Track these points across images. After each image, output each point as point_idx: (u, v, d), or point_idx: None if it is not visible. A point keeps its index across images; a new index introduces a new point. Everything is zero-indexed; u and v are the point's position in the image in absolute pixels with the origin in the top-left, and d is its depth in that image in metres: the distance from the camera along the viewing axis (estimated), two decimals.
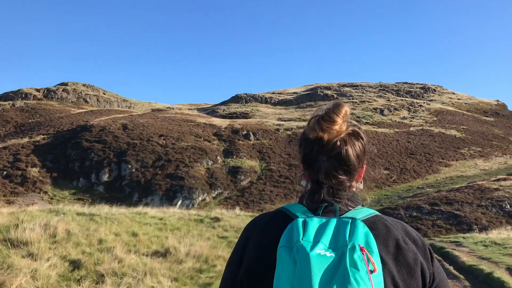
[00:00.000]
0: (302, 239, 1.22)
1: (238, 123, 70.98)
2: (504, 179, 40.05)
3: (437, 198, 37.25)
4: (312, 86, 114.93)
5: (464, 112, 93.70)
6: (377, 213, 1.42)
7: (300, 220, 1.29)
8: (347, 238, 1.22)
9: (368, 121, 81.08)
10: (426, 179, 53.47)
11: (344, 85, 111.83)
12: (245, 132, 65.62)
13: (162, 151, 55.14)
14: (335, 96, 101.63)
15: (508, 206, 34.10)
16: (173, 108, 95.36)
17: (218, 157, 56.23)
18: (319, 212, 1.36)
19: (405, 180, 53.48)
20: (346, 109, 1.44)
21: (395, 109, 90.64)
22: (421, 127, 77.68)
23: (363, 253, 1.19)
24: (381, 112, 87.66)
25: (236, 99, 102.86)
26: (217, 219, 15.98)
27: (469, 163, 59.37)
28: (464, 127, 77.72)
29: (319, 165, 1.43)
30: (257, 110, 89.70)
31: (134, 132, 60.17)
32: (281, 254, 1.24)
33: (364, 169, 1.52)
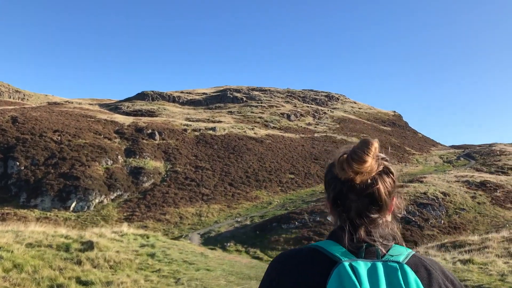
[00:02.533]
0: None
1: (143, 121, 67.73)
2: (401, 186, 41.68)
3: None
4: (222, 88, 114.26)
5: (364, 121, 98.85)
6: (413, 252, 1.36)
7: (347, 264, 1.23)
8: None
9: (275, 126, 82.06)
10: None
11: (253, 89, 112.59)
12: (150, 131, 62.67)
13: (56, 148, 50.53)
14: (244, 99, 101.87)
15: (405, 212, 35.67)
16: (72, 102, 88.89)
17: (119, 157, 52.85)
18: (362, 254, 1.30)
19: (309, 184, 54.43)
20: (376, 145, 1.39)
21: (301, 115, 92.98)
22: (325, 134, 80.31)
23: None
24: (288, 117, 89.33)
25: (142, 96, 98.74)
26: (90, 246, 11.64)
27: None
28: (364, 135, 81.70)
29: (350, 204, 1.38)
30: (164, 109, 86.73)
31: (25, 126, 54.58)
32: None
33: (394, 202, 1.45)
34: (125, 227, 15.89)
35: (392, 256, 1.29)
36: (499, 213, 42.61)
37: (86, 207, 43.30)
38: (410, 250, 1.36)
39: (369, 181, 1.35)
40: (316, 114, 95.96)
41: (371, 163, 1.35)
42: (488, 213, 42.46)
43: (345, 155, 1.37)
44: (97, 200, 44.20)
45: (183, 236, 37.01)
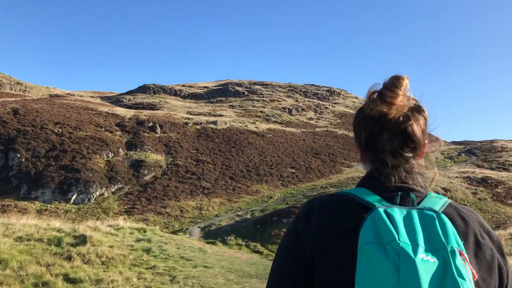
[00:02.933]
0: (399, 239, 1.10)
1: (144, 114, 67.64)
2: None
3: None
4: (224, 82, 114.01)
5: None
6: (450, 201, 1.31)
7: (381, 210, 1.17)
8: (443, 239, 1.13)
9: (277, 120, 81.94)
10: (329, 178, 54.85)
11: (255, 83, 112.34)
12: (151, 124, 62.60)
13: (57, 140, 50.49)
14: (246, 93, 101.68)
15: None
16: (74, 95, 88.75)
17: (120, 149, 52.81)
18: (397, 201, 1.24)
19: (310, 179, 54.38)
20: (407, 81, 1.32)
21: (303, 109, 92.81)
22: (326, 128, 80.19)
23: (462, 259, 1.12)
24: (290, 111, 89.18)
25: (143, 89, 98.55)
26: (82, 240, 10.86)
27: None
28: None
29: (383, 144, 1.31)
30: (166, 102, 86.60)
31: (26, 118, 54.53)
32: (372, 254, 1.10)
33: (427, 144, 1.37)
34: (121, 221, 15.03)
35: (428, 204, 1.25)
36: (500, 209, 42.56)
37: (86, 199, 43.32)
38: (446, 198, 1.31)
39: (401, 118, 1.30)
40: (317, 108, 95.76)
41: (402, 97, 1.30)
42: (489, 209, 42.42)
43: (376, 92, 1.33)
44: (97, 193, 44.21)
45: (184, 230, 37.02)
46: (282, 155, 60.78)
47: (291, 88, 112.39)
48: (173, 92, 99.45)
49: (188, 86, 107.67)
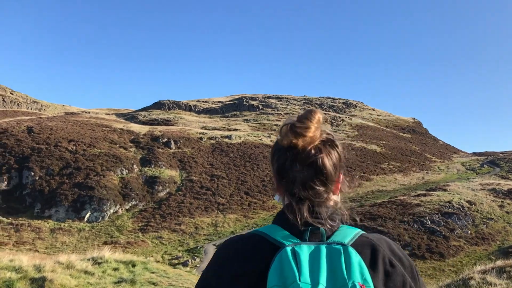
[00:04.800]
0: (299, 280, 1.12)
1: (158, 130, 67.17)
2: (424, 195, 40.41)
3: (361, 213, 36.56)
4: (238, 96, 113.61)
5: (383, 128, 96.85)
6: (362, 232, 1.33)
7: (289, 250, 1.18)
8: (345, 275, 1.15)
9: None
10: (348, 193, 53.26)
11: (269, 97, 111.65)
12: (165, 139, 62.01)
13: (71, 157, 50.10)
14: (260, 106, 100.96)
15: (429, 222, 34.02)
16: (89, 112, 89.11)
17: (135, 166, 52.17)
18: (306, 237, 1.25)
19: None
20: (319, 116, 1.34)
21: None
22: (344, 141, 78.49)
23: None
24: None
25: (158, 105, 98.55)
26: (40, 285, 8.27)
27: (389, 177, 60.40)
28: (384, 142, 79.85)
29: (294, 175, 1.32)
30: (181, 118, 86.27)
31: (40, 136, 54.36)
32: None
33: (341, 180, 1.40)
34: (107, 251, 12.19)
35: (338, 237, 1.25)
36: None
37: (100, 217, 42.59)
38: (358, 230, 1.31)
39: (312, 150, 1.30)
40: (334, 121, 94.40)
41: (313, 130, 1.30)
42: None
43: (289, 124, 1.33)
44: (111, 210, 43.47)
45: (198, 248, 35.91)
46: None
47: (306, 101, 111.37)
48: (188, 108, 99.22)
49: (203, 102, 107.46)
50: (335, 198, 1.37)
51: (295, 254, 1.16)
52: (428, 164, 71.91)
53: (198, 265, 31.39)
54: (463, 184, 51.70)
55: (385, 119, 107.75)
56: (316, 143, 1.31)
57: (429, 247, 33.26)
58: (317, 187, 1.29)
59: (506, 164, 70.75)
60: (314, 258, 1.16)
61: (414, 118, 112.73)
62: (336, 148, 1.36)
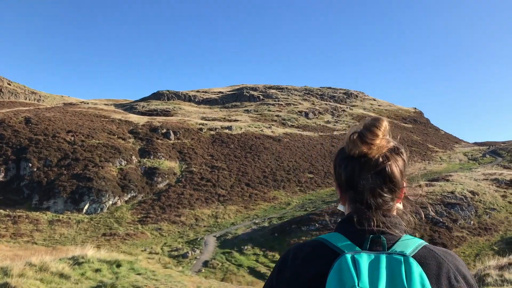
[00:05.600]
0: (358, 285, 1.15)
1: (157, 120, 66.50)
2: (426, 185, 39.79)
3: None
4: (238, 87, 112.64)
5: (384, 118, 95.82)
6: (425, 243, 1.33)
7: (349, 256, 1.21)
8: (405, 284, 1.15)
9: (293, 124, 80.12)
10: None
11: (270, 87, 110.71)
12: (164, 130, 61.38)
13: (70, 148, 49.53)
14: (261, 97, 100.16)
15: (432, 213, 33.52)
16: (87, 103, 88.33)
17: (133, 157, 51.61)
18: (366, 245, 1.28)
19: (329, 184, 52.39)
20: (386, 124, 1.41)
21: (320, 112, 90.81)
22: (344, 131, 77.99)
23: None
24: (306, 115, 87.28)
25: (157, 95, 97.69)
26: None
27: None
28: None
29: (363, 184, 1.35)
30: (180, 108, 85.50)
31: (38, 127, 53.76)
32: None
33: (406, 187, 1.44)
34: (90, 250, 10.85)
35: (400, 247, 1.27)
36: None
37: (99, 209, 42.13)
38: (421, 241, 1.32)
39: (380, 158, 1.34)
40: (334, 111, 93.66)
41: (381, 139, 1.35)
42: None
43: (356, 133, 1.37)
44: (110, 202, 43.00)
45: (199, 239, 35.48)
46: (299, 159, 58.92)
47: (307, 91, 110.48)
48: (187, 98, 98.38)
49: (203, 92, 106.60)
50: (398, 205, 1.39)
51: (355, 261, 1.17)
52: (430, 154, 71.36)
53: (198, 257, 30.96)
54: (466, 174, 51.12)
55: (386, 109, 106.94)
56: (384, 151, 1.34)
57: (432, 238, 32.78)
58: (385, 195, 1.33)
59: (508, 154, 70.16)
60: (374, 267, 1.16)
61: (415, 108, 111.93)
62: (402, 155, 1.38)
